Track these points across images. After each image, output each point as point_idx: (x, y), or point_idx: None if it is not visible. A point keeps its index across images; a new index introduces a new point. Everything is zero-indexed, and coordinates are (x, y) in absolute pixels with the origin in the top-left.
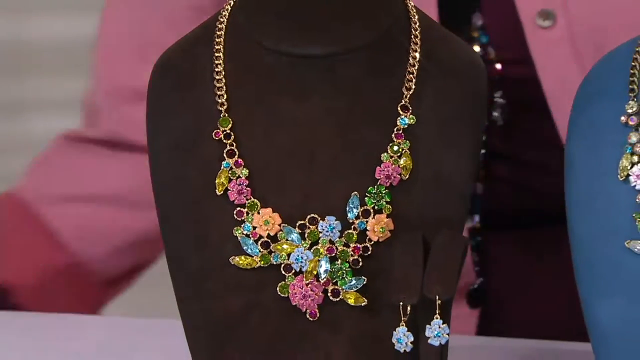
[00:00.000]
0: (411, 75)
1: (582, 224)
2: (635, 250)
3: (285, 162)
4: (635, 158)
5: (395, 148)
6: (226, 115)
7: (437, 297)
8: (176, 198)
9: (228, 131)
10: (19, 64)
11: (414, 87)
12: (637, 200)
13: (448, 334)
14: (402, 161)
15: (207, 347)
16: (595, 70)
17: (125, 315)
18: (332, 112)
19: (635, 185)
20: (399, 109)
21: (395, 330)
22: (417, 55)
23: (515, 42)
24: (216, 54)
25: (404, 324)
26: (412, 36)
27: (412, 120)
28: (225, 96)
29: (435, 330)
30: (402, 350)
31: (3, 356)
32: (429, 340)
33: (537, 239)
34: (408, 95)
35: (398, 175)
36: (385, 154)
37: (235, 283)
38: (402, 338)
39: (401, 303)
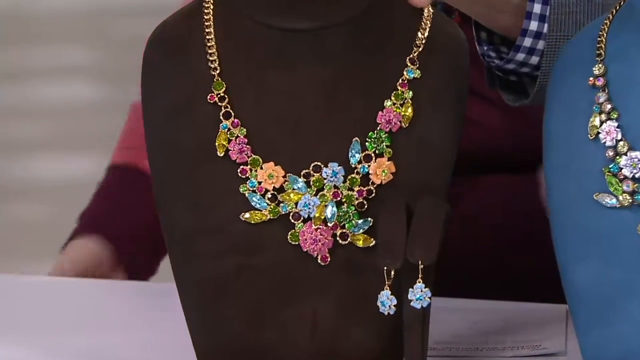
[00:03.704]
0: (420, 41)
1: (558, 189)
2: (604, 202)
3: (278, 125)
4: (604, 116)
5: (399, 96)
6: (219, 79)
7: (420, 261)
8: (171, 162)
9: (222, 94)
10: (23, 33)
11: (422, 45)
12: (607, 155)
13: (430, 298)
14: (403, 109)
15: (199, 306)
16: (570, 44)
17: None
18: (319, 81)
19: (604, 142)
20: (407, 61)
21: (379, 294)
22: (424, 30)
23: None
24: (207, 30)
25: (388, 287)
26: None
27: (417, 75)
28: (217, 60)
29: (418, 294)
30: (386, 313)
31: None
32: (412, 303)
33: None
34: (417, 52)
35: (398, 122)
36: (388, 101)
37: (230, 243)
38: (386, 301)
39: (385, 267)
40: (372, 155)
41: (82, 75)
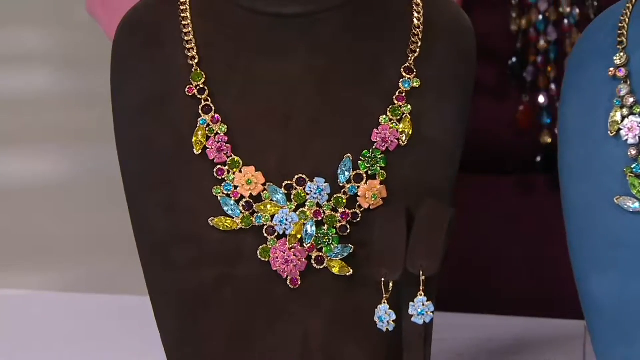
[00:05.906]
0: (416, 37)
1: (575, 190)
2: (625, 207)
3: (265, 122)
4: (625, 111)
5: (396, 111)
6: (198, 69)
7: (422, 272)
8: (144, 162)
9: (202, 86)
10: None
11: (418, 50)
12: (629, 154)
13: (432, 312)
14: (401, 125)
15: (176, 319)
16: (589, 31)
17: (92, 292)
18: (310, 73)
19: (626, 139)
20: (402, 71)
21: (377, 308)
22: (420, 16)
23: None
24: (182, 14)
25: (385, 301)
26: None
27: (416, 84)
28: (195, 49)
29: (419, 308)
30: (384, 329)
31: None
32: (412, 319)
33: None
34: (413, 58)
35: (395, 140)
36: (384, 116)
37: (208, 251)
38: (384, 316)
39: (383, 279)
40: (364, 175)
41: (39, 61)
